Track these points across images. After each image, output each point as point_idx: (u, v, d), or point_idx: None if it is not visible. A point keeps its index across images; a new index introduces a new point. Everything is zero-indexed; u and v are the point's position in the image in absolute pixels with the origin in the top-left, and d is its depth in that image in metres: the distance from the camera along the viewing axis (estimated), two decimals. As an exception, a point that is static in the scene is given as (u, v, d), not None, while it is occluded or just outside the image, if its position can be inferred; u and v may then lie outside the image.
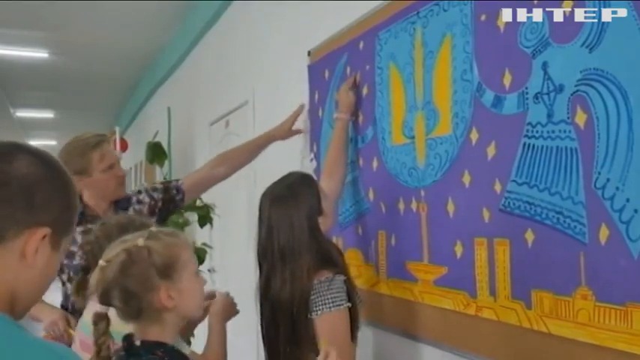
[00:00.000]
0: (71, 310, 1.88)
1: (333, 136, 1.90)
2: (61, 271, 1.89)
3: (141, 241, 1.14)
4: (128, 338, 1.13)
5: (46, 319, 1.77)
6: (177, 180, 2.14)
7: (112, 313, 1.14)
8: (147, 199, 2.03)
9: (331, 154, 1.88)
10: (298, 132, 2.26)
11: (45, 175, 0.81)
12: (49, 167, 0.82)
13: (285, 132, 2.24)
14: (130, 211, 1.97)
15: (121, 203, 1.99)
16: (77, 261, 1.88)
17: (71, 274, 1.90)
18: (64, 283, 1.93)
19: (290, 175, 1.55)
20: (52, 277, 0.86)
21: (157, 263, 1.13)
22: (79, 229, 1.80)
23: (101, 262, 1.14)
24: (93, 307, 1.44)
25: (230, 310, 1.54)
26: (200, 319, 1.50)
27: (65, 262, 1.86)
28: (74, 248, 1.83)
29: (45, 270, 0.80)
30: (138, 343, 1.12)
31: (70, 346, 1.51)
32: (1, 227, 0.75)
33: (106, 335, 1.11)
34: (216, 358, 1.45)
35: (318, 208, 1.48)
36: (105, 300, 1.13)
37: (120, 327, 1.15)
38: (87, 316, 1.48)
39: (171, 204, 2.07)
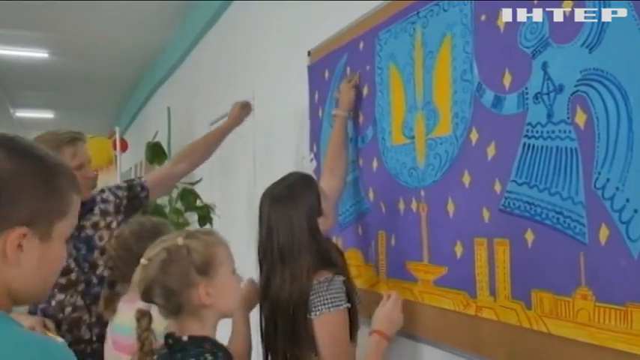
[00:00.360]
0: (42, 315, 1.87)
1: (333, 134, 1.90)
2: None
3: (180, 240, 1.19)
4: (172, 335, 1.16)
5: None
6: (140, 177, 2.16)
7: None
8: (112, 198, 2.02)
9: (331, 151, 1.88)
10: (247, 109, 2.31)
11: (17, 170, 0.76)
12: (24, 159, 0.78)
13: (234, 119, 2.29)
14: (96, 211, 1.95)
15: (86, 205, 1.95)
16: None
17: None
18: None
19: (290, 175, 1.55)
20: (55, 265, 0.83)
21: (196, 261, 1.17)
22: None
23: (143, 261, 1.18)
24: (125, 307, 1.46)
25: (253, 299, 1.56)
26: None
27: None
28: None
29: (39, 262, 0.78)
30: (185, 338, 1.16)
31: None
32: None
33: (149, 331, 1.16)
34: (242, 348, 1.47)
35: (318, 209, 1.48)
36: (147, 297, 1.17)
37: (159, 325, 1.19)
38: (119, 318, 1.51)
39: (136, 201, 2.07)
